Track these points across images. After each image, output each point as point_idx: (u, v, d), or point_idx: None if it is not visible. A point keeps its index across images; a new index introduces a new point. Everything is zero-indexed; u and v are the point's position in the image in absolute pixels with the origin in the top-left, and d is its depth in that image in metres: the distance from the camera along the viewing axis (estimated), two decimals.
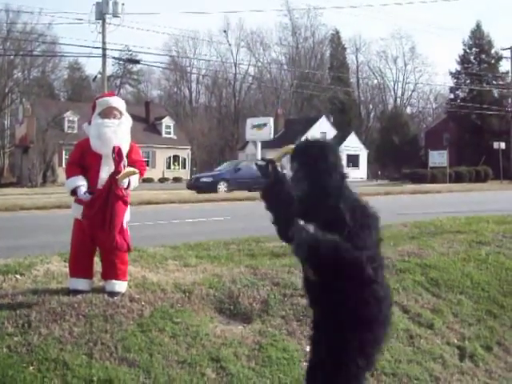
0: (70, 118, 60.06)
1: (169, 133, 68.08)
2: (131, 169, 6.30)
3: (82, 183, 6.29)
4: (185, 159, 68.13)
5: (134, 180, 6.49)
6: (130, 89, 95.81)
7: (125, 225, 6.39)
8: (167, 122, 68.84)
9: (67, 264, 7.44)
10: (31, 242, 11.21)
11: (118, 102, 6.59)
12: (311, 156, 4.06)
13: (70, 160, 6.68)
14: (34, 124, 56.62)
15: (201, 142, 74.25)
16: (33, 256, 8.09)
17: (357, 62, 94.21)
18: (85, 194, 6.23)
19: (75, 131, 57.72)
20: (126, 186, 6.36)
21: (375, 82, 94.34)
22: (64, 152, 57.58)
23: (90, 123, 6.57)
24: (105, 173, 6.35)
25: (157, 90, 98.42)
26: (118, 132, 6.39)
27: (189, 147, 69.30)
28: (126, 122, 6.62)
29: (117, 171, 6.21)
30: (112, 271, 6.47)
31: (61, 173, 55.49)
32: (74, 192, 6.33)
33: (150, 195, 27.14)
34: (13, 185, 54.69)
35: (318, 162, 4.01)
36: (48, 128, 56.18)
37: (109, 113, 6.45)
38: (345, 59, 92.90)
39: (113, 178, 6.19)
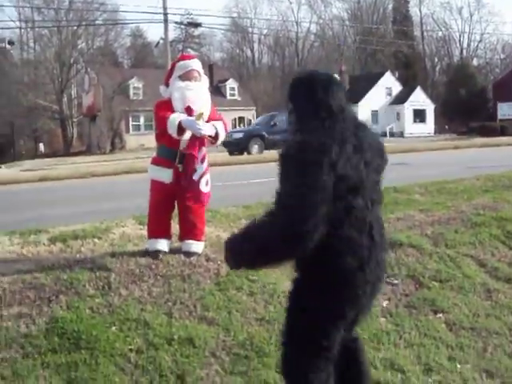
0: (135, 85, 60.68)
1: (233, 95, 68.14)
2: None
3: (181, 116, 6.18)
4: (250, 120, 68.08)
5: (222, 133, 6.52)
6: (192, 52, 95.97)
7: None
8: (231, 83, 68.87)
9: (142, 227, 7.59)
10: (105, 207, 11.39)
11: (197, 65, 6.57)
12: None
13: (159, 113, 6.40)
14: (100, 92, 57.34)
15: (265, 102, 73.92)
16: (108, 220, 8.24)
17: (420, 14, 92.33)
18: (197, 123, 6.14)
19: (140, 97, 58.45)
20: (213, 135, 6.41)
21: (440, 34, 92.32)
22: (130, 119, 58.45)
23: (167, 85, 6.58)
24: (187, 134, 6.36)
25: (219, 52, 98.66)
26: (200, 94, 6.42)
27: (254, 108, 69.26)
28: (206, 83, 6.66)
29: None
30: (190, 231, 6.56)
31: (128, 139, 56.41)
32: (180, 129, 6.16)
33: (215, 157, 27.20)
34: (82, 153, 55.75)
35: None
36: (114, 96, 56.89)
37: (190, 75, 6.44)
38: (408, 12, 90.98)
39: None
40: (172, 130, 6.16)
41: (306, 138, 3.39)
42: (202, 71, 6.62)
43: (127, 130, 58.53)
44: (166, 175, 6.45)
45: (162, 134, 6.46)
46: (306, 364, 3.65)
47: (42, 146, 67.10)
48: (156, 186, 6.54)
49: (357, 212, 3.45)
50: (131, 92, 60.30)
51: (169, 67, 6.81)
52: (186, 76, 6.44)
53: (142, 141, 55.27)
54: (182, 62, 6.55)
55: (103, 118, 56.11)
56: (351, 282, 3.49)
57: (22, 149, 67.09)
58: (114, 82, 57.50)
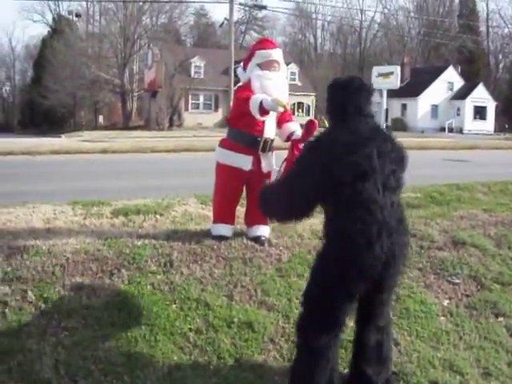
0: (197, 64, 60.73)
1: (294, 79, 67.72)
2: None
3: (263, 96, 5.97)
4: (309, 106, 67.79)
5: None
6: (254, 35, 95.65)
7: None
8: (292, 68, 68.44)
9: (204, 206, 7.60)
10: (165, 183, 11.43)
11: (278, 55, 6.45)
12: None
13: (241, 95, 6.26)
14: (162, 69, 57.63)
15: (325, 89, 73.26)
16: (170, 197, 8.28)
17: (487, 9, 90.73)
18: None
19: (201, 76, 58.54)
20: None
21: (506, 30, 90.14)
22: (190, 97, 58.61)
23: (244, 69, 6.50)
24: (269, 123, 6.35)
25: (282, 36, 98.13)
26: (278, 84, 6.30)
27: (313, 94, 68.89)
28: (284, 72, 6.58)
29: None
30: (258, 216, 6.50)
31: (187, 117, 56.64)
32: (262, 109, 5.91)
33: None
34: (140, 128, 56.15)
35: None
36: (175, 73, 57.10)
37: (269, 65, 6.33)
38: (475, 7, 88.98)
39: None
40: (255, 110, 5.96)
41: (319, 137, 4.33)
42: (282, 61, 6.49)
43: (186, 108, 58.67)
44: (245, 162, 6.35)
45: (240, 117, 6.30)
46: (315, 322, 4.16)
47: (101, 118, 67.90)
48: (230, 171, 6.38)
49: (366, 195, 3.93)
50: (192, 70, 60.36)
51: (249, 50, 6.69)
52: (266, 65, 6.33)
53: (199, 119, 55.59)
54: (263, 51, 6.40)
55: (163, 94, 56.36)
56: (357, 257, 3.92)
57: (82, 120, 68.03)
58: (176, 60, 57.68)
